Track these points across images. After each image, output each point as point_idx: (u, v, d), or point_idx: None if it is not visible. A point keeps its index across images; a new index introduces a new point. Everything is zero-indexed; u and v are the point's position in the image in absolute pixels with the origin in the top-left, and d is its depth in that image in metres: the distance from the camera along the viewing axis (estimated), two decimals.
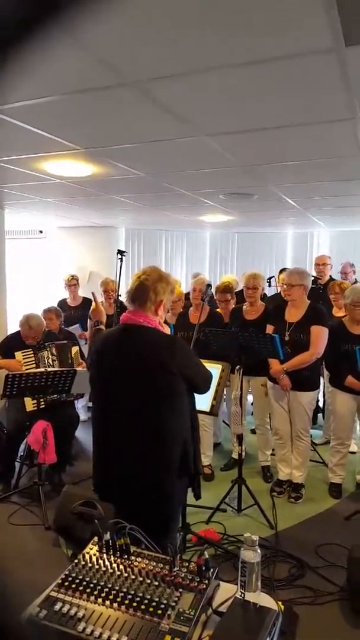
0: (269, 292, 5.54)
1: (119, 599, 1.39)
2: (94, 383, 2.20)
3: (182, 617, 1.32)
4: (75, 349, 4.33)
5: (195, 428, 2.17)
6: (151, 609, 1.35)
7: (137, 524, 1.65)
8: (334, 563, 2.94)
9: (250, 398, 4.38)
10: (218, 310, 4.51)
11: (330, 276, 5.60)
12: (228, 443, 4.87)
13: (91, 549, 1.61)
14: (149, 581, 1.45)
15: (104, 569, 1.52)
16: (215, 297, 4.77)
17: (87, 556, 1.57)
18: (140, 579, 1.46)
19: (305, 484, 3.89)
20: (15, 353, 4.06)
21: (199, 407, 2.25)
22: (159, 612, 1.34)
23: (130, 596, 1.40)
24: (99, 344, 2.18)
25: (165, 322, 2.34)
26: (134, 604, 1.37)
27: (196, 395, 2.20)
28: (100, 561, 1.55)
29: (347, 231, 7.46)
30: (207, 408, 2.88)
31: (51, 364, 4.12)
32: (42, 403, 3.87)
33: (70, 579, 1.48)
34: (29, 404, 3.90)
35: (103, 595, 1.41)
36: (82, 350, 4.49)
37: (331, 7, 1.29)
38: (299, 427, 3.79)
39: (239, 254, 8.49)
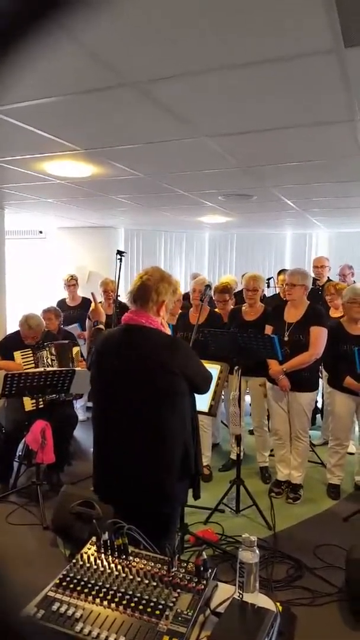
0: (268, 293, 5.54)
1: (116, 599, 1.39)
2: (94, 383, 2.20)
3: (180, 618, 1.32)
4: (76, 349, 4.33)
5: (196, 428, 2.16)
6: (149, 610, 1.35)
7: (137, 524, 1.65)
8: (332, 564, 2.94)
9: (248, 399, 4.38)
10: (216, 310, 4.51)
11: (328, 277, 5.61)
12: (226, 443, 4.88)
13: (89, 549, 1.61)
14: (147, 581, 1.45)
15: (102, 569, 1.51)
16: (213, 298, 4.78)
17: (85, 556, 1.57)
18: (138, 579, 1.46)
19: (304, 484, 3.89)
20: (14, 353, 4.06)
21: (197, 407, 2.25)
22: (157, 612, 1.34)
23: (128, 596, 1.40)
24: (100, 344, 2.17)
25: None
26: (132, 604, 1.37)
27: (195, 396, 2.20)
28: (98, 561, 1.55)
29: (346, 232, 7.46)
30: (205, 408, 2.88)
31: (50, 363, 4.12)
32: (41, 403, 3.87)
33: (68, 579, 1.47)
34: (28, 403, 3.90)
35: (101, 595, 1.40)
36: (81, 350, 4.50)
37: (331, 8, 1.29)
38: (298, 428, 3.79)
39: (238, 255, 8.49)
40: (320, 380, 4.09)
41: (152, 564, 1.53)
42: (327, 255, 6.40)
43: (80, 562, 1.55)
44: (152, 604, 1.37)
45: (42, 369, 3.81)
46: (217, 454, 4.68)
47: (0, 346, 4.28)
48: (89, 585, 1.44)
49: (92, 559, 1.56)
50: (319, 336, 3.61)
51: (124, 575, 1.48)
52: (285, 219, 6.16)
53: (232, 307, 4.65)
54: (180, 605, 1.36)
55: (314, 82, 1.80)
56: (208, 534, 3.22)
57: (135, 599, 1.38)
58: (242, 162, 3.10)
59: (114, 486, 2.09)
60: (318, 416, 5.26)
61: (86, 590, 1.43)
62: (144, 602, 1.37)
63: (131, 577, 1.47)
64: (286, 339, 3.65)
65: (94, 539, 1.64)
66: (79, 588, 1.44)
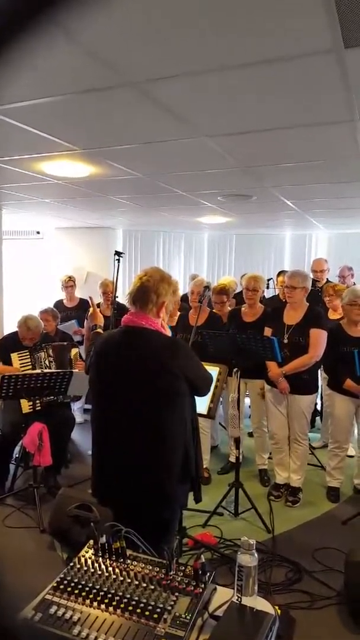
0: (267, 294, 5.54)
1: (114, 603, 1.37)
2: (93, 384, 2.19)
3: (178, 621, 1.30)
4: (74, 351, 4.31)
5: (196, 429, 2.15)
6: (147, 613, 1.33)
7: (136, 527, 1.63)
8: (331, 567, 2.93)
9: (247, 401, 4.36)
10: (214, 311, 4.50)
11: (327, 279, 5.60)
12: (225, 446, 4.86)
13: (87, 552, 1.60)
14: (145, 585, 1.44)
15: (99, 572, 1.50)
16: (211, 299, 4.76)
17: (82, 559, 1.56)
18: (136, 582, 1.45)
19: (303, 487, 3.88)
20: (12, 354, 4.04)
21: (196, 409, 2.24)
22: (155, 616, 1.32)
23: (126, 600, 1.38)
24: (100, 346, 2.16)
25: None
26: (130, 608, 1.35)
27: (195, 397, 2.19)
28: (96, 564, 1.53)
29: (346, 233, 7.46)
30: (204, 411, 2.87)
31: (48, 365, 4.10)
32: (38, 405, 3.85)
33: (65, 582, 1.46)
34: (25, 405, 3.88)
35: (99, 598, 1.39)
36: (80, 351, 4.48)
37: (331, 8, 1.28)
38: (297, 431, 3.78)
39: (237, 256, 8.49)
40: (319, 382, 4.08)
41: (150, 567, 1.52)
42: (327, 256, 6.40)
43: (78, 565, 1.53)
44: (150, 607, 1.35)
45: (39, 371, 3.79)
46: (216, 456, 4.66)
47: None
48: (87, 589, 1.43)
49: (89, 562, 1.54)
50: (319, 338, 3.60)
51: (121, 578, 1.47)
52: (284, 219, 6.16)
53: (229, 308, 4.64)
54: (179, 608, 1.35)
55: (314, 82, 1.79)
56: (207, 537, 3.20)
57: (133, 602, 1.37)
58: (242, 162, 3.09)
59: (114, 486, 2.08)
60: (317, 419, 5.25)
61: (84, 593, 1.41)
62: (141, 605, 1.36)
63: (129, 580, 1.46)
64: (286, 341, 3.64)
65: (91, 542, 1.63)
66: (76, 591, 1.42)
